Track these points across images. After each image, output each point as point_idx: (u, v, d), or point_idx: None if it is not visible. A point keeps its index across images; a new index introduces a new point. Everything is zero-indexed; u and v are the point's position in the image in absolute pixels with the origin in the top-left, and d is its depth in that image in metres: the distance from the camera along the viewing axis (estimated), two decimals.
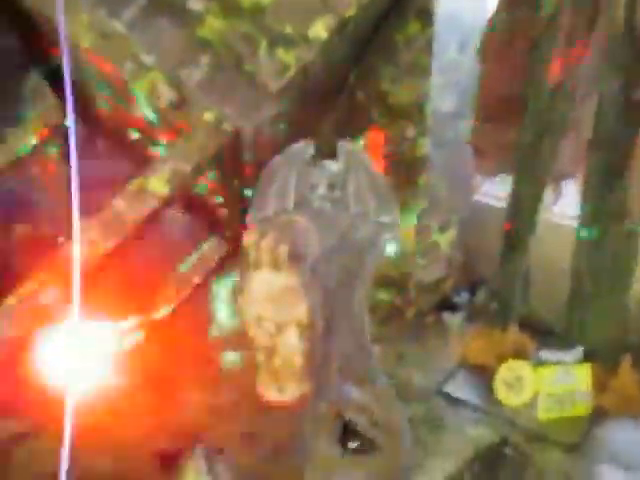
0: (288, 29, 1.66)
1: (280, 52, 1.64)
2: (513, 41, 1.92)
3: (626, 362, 1.89)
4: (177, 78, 1.53)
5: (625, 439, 1.72)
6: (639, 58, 1.73)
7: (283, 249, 1.31)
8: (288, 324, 1.38)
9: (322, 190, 1.60)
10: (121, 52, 1.56)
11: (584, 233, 1.89)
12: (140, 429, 1.70)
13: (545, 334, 2.10)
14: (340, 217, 1.60)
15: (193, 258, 2.31)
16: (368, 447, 1.51)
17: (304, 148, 1.61)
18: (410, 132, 2.16)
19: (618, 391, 1.85)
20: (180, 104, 1.53)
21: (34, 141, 2.25)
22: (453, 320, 2.38)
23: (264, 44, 1.64)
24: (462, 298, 2.46)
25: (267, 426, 1.54)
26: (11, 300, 1.37)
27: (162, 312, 2.20)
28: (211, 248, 2.31)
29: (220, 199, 1.91)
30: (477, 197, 2.48)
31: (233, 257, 2.29)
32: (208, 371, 1.93)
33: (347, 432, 1.52)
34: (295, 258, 1.34)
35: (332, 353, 1.46)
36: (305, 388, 1.45)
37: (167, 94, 1.52)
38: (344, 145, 1.61)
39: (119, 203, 1.44)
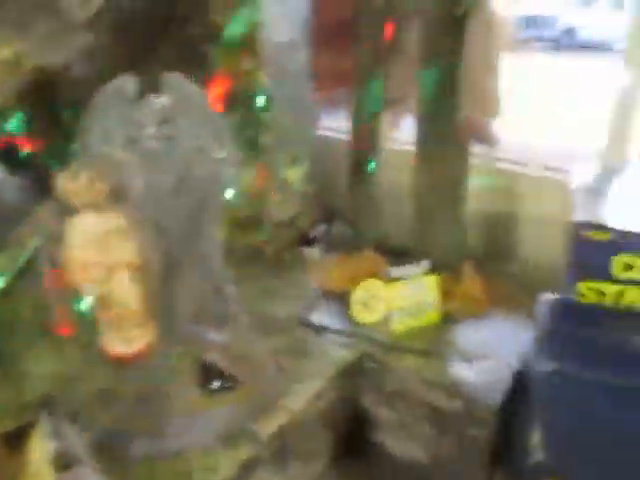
0: None
1: None
2: None
3: (468, 269, 2.05)
4: None
5: (469, 337, 1.88)
6: None
7: (101, 188, 1.22)
8: (118, 267, 1.30)
9: (151, 128, 1.50)
10: None
11: (421, 153, 1.98)
12: None
13: (398, 254, 2.21)
14: (174, 155, 1.53)
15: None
16: (231, 384, 1.51)
17: (127, 83, 1.50)
18: (247, 65, 2.09)
19: (462, 296, 2.01)
20: None
21: None
22: (312, 253, 2.42)
23: None
24: (319, 231, 2.50)
25: (122, 381, 1.47)
26: None
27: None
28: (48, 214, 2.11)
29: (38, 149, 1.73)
30: (323, 131, 2.50)
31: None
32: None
33: (208, 373, 1.50)
34: (116, 196, 1.25)
35: (178, 295, 1.40)
36: (151, 335, 1.39)
37: None
38: (171, 78, 1.52)
39: None
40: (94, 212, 1.26)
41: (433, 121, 1.94)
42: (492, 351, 1.79)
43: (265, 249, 2.35)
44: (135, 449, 1.38)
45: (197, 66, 2.12)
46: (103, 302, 1.34)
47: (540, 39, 11.59)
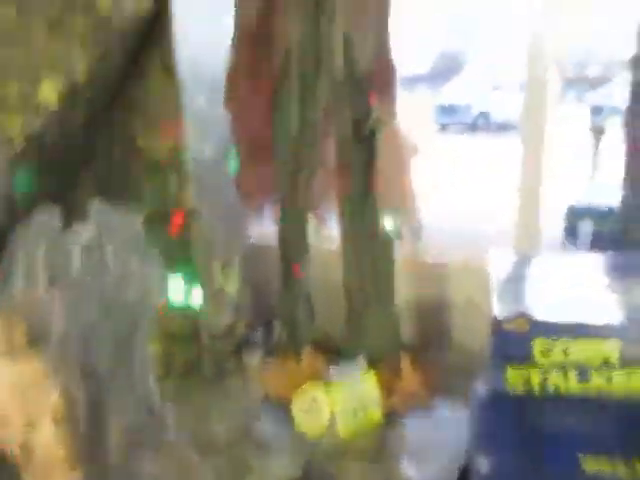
0: (11, 93, 1.56)
1: (2, 118, 1.52)
2: (253, 90, 2.05)
3: (404, 362, 2.09)
4: None
5: (414, 435, 1.89)
6: (362, 99, 1.97)
7: (19, 333, 1.20)
8: (41, 416, 1.25)
9: (77, 257, 1.51)
10: None
11: (348, 252, 2.07)
12: None
13: (336, 352, 2.23)
14: (102, 282, 1.52)
15: None
16: None
17: (49, 216, 1.51)
18: (173, 183, 2.16)
19: (403, 391, 2.03)
20: None
21: None
22: (251, 359, 2.40)
23: None
24: (257, 336, 2.50)
25: None
26: None
27: None
28: None
29: None
30: (253, 237, 2.56)
31: None
32: None
33: None
34: (36, 340, 1.22)
35: (109, 428, 1.35)
36: (77, 476, 1.32)
37: None
38: (94, 205, 1.55)
39: None
40: (10, 360, 1.22)
41: (354, 221, 2.05)
42: (438, 448, 1.80)
43: (203, 361, 2.32)
44: None
45: (122, 189, 2.19)
46: (25, 451, 1.27)
47: (458, 124, 12.61)
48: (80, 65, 1.70)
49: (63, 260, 1.49)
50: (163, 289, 1.60)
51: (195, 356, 2.28)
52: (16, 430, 1.22)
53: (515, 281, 1.88)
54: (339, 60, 1.96)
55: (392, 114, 2.01)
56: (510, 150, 2.84)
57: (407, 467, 1.74)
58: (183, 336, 2.23)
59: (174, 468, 1.53)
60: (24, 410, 1.23)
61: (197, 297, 2.24)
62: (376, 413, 1.92)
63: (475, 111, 13.03)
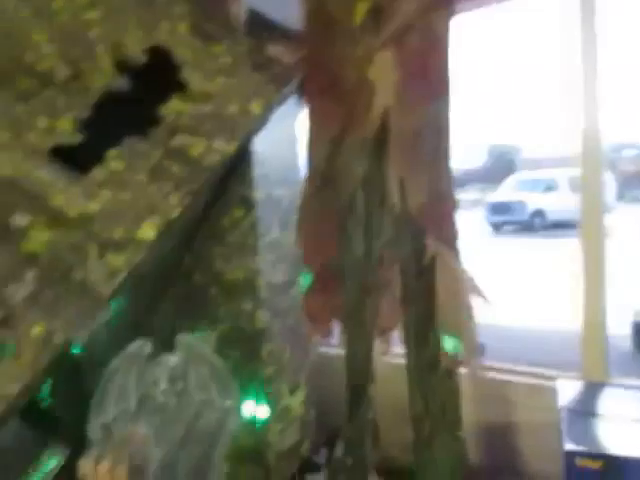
0: (117, 234, 1.77)
1: (109, 257, 1.72)
2: (323, 220, 2.21)
3: None
4: (1, 296, 1.53)
5: None
6: (417, 235, 2.09)
7: (121, 471, 1.30)
8: None
9: (164, 385, 1.63)
10: None
11: (413, 380, 2.10)
12: None
13: (402, 475, 2.20)
14: (185, 408, 1.63)
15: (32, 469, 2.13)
16: None
17: (141, 346, 1.66)
18: (247, 306, 2.31)
19: None
20: (6, 320, 1.51)
21: None
22: None
23: (93, 251, 1.71)
24: (321, 457, 2.51)
25: None
26: None
27: None
28: (51, 459, 2.15)
29: (57, 409, 1.83)
30: (319, 357, 2.64)
31: None
32: None
33: None
34: (136, 473, 1.32)
35: None
36: None
37: None
38: (182, 338, 1.68)
39: None
40: None
41: (418, 352, 2.10)
42: None
43: None
44: None
45: (200, 311, 2.35)
46: None
47: (511, 223, 12.43)
48: (174, 204, 1.91)
49: (151, 384, 1.61)
50: (239, 417, 1.67)
51: (262, 476, 2.31)
52: None
53: (585, 413, 1.86)
54: (395, 198, 2.11)
55: (450, 245, 2.11)
56: (569, 250, 2.81)
57: None
58: (250, 455, 2.27)
59: None
60: None
61: (264, 415, 2.31)
62: None
63: (530, 209, 12.71)
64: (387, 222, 2.09)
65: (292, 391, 2.44)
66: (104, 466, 1.29)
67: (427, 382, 2.06)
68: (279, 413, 2.38)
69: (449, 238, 2.14)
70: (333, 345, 2.66)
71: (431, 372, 2.06)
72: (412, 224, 2.04)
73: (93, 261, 1.70)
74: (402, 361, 2.48)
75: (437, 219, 2.11)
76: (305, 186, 2.31)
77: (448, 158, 2.18)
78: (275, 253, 2.37)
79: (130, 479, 1.31)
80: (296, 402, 2.45)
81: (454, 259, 2.06)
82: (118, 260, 1.73)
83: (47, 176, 1.82)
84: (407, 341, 2.13)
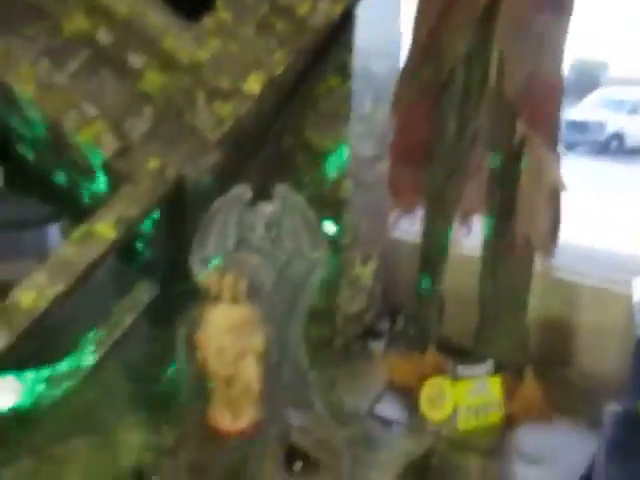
0: (224, 83, 1.82)
1: (217, 105, 1.78)
2: (419, 96, 2.19)
3: (529, 373, 2.16)
4: (121, 128, 1.63)
5: (532, 441, 1.96)
6: (511, 116, 2.05)
7: (242, 285, 1.44)
8: (246, 352, 1.50)
9: (260, 230, 1.73)
10: (64, 103, 1.64)
11: (487, 262, 2.16)
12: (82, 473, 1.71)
13: (458, 354, 2.34)
14: (277, 255, 1.74)
15: (125, 299, 2.36)
16: (312, 467, 1.63)
17: (242, 192, 1.75)
18: (333, 175, 2.37)
19: (524, 399, 2.10)
20: (124, 152, 1.62)
21: None
22: (377, 347, 2.57)
23: (202, 97, 1.77)
24: (383, 326, 2.67)
25: (215, 455, 1.61)
26: None
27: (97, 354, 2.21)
28: (142, 289, 2.37)
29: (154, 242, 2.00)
30: (392, 233, 2.72)
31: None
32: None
33: (292, 454, 1.63)
34: (251, 293, 1.46)
35: (279, 380, 1.57)
36: (258, 413, 1.56)
37: (111, 143, 1.61)
38: (280, 188, 1.76)
39: (67, 249, 1.50)
40: (233, 304, 1.48)
41: (497, 238, 2.14)
42: (556, 456, 1.87)
43: (334, 340, 2.53)
44: None
45: (285, 174, 2.43)
46: (227, 381, 1.53)
47: (586, 143, 11.83)
48: (279, 61, 1.93)
49: (248, 229, 1.72)
50: (324, 270, 1.77)
51: (328, 334, 2.49)
52: (228, 359, 1.49)
53: None
54: (493, 77, 2.06)
55: (544, 137, 2.07)
56: None
57: (524, 468, 1.82)
58: (321, 315, 2.44)
59: (317, 427, 1.72)
60: (236, 345, 1.49)
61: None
62: (496, 415, 2.02)
63: (608, 131, 11.99)
64: (484, 103, 2.06)
65: (364, 262, 2.55)
66: (230, 277, 1.44)
67: (501, 267, 2.12)
68: (350, 280, 2.51)
69: (545, 126, 2.10)
70: (406, 229, 2.74)
71: (506, 258, 2.12)
72: (507, 106, 2.01)
73: (201, 107, 1.77)
74: (468, 252, 2.56)
75: (535, 104, 2.06)
76: (405, 61, 2.27)
77: (561, 43, 2.08)
78: (366, 126, 2.38)
79: (247, 296, 1.46)
80: (366, 272, 2.57)
81: (545, 147, 2.03)
82: (224, 109, 1.80)
83: (160, 20, 1.85)
84: (487, 226, 2.17)
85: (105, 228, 1.53)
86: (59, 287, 1.45)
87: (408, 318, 2.68)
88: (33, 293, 1.42)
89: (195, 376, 1.65)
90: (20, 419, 1.86)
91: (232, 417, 1.57)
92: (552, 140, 2.09)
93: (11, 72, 1.59)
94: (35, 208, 3.72)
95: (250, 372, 1.51)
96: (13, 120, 2.03)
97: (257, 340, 1.50)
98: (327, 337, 2.49)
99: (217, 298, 1.48)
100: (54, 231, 4.02)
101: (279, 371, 1.65)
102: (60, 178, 2.21)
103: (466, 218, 2.28)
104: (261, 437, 1.56)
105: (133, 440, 1.88)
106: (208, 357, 1.52)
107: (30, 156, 2.25)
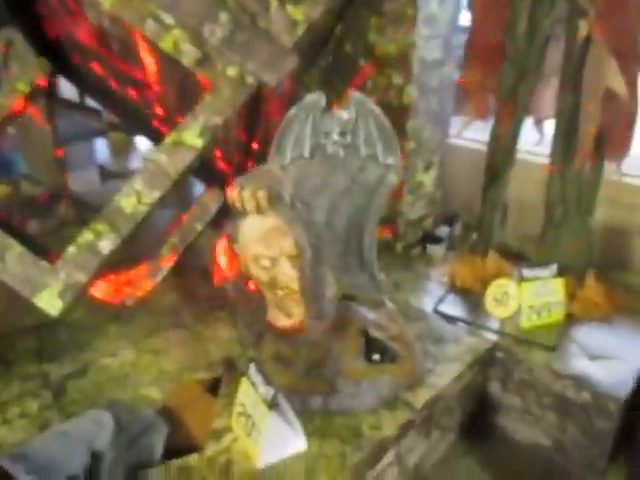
0: None
1: (290, 9, 1.76)
2: None
3: (591, 276, 2.22)
4: (200, 36, 1.64)
5: (593, 338, 2.05)
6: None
7: (262, 195, 1.50)
8: (279, 257, 1.60)
9: (335, 136, 1.76)
10: (141, 12, 1.64)
11: (556, 165, 2.16)
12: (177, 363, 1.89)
13: (517, 259, 2.40)
14: (351, 160, 1.78)
15: (195, 209, 2.47)
16: (389, 358, 1.76)
17: (318, 99, 1.77)
18: (397, 80, 2.34)
19: (585, 300, 2.18)
20: (203, 61, 1.64)
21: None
22: (436, 251, 2.65)
23: (275, 1, 1.75)
24: (442, 231, 2.73)
25: (296, 347, 1.75)
26: (72, 248, 1.49)
27: (169, 261, 2.35)
28: (211, 199, 2.46)
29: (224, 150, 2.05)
30: (452, 140, 2.71)
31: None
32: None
33: (371, 346, 1.76)
34: (274, 201, 1.53)
35: (323, 277, 1.66)
36: (305, 312, 1.68)
37: (191, 52, 1.63)
38: (354, 94, 1.77)
39: (160, 156, 1.57)
40: (258, 214, 1.55)
41: (566, 141, 2.11)
42: (616, 353, 1.96)
43: (396, 245, 2.61)
44: (312, 404, 1.66)
45: (348, 79, 2.41)
46: (270, 285, 1.64)
47: None
48: None
49: (324, 135, 1.75)
50: (397, 176, 1.80)
51: (390, 238, 2.57)
52: (264, 266, 1.60)
53: None
54: None
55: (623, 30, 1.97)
56: None
57: (586, 362, 1.92)
58: (383, 218, 2.50)
59: (390, 323, 1.84)
60: (268, 251, 1.59)
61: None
62: (558, 314, 2.10)
63: None
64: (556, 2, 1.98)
65: (426, 168, 2.57)
66: (248, 191, 1.50)
67: (569, 170, 2.12)
68: (412, 186, 2.55)
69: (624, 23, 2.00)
70: (466, 137, 2.72)
71: (575, 161, 2.11)
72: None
73: (275, 11, 1.75)
74: (528, 157, 2.54)
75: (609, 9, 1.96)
76: None
77: None
78: (431, 28, 2.31)
79: (272, 203, 1.52)
80: (428, 179, 2.60)
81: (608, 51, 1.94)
82: (298, 12, 1.77)
83: None
84: (557, 129, 2.14)
85: (192, 137, 1.59)
86: (156, 193, 1.53)
87: (465, 224, 2.74)
88: (134, 199, 1.51)
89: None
90: (115, 316, 2.04)
91: (285, 317, 1.70)
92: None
93: None
94: (90, 119, 3.80)
95: (287, 274, 1.61)
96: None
97: (287, 244, 1.58)
98: (389, 241, 2.58)
99: (243, 211, 1.54)
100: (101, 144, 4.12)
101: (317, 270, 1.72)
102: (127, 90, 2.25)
103: (541, 123, 2.25)
104: (312, 330, 1.68)
105: (219, 335, 2.05)
106: (249, 266, 1.63)
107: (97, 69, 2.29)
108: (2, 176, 3.06)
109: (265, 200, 1.54)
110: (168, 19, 1.65)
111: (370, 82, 2.40)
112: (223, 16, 1.65)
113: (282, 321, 1.78)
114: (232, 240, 1.69)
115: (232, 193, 1.56)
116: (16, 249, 1.51)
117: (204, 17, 1.65)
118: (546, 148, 2.22)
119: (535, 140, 2.30)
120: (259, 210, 1.56)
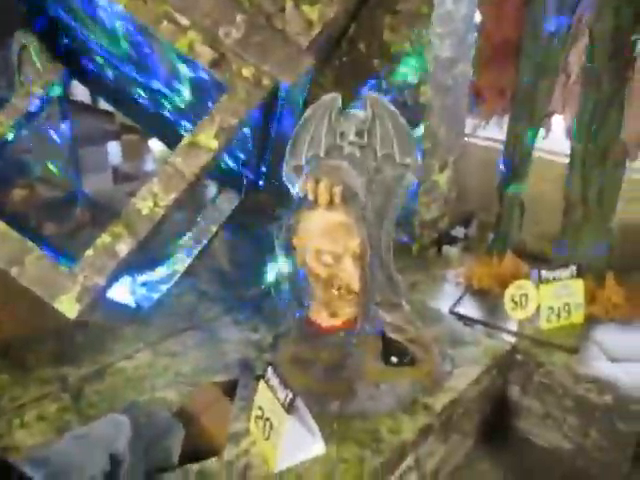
0: None
1: (305, 9, 1.75)
2: None
3: (610, 277, 2.18)
4: (215, 37, 1.63)
5: (614, 339, 2.02)
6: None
7: (338, 190, 1.48)
8: (344, 255, 1.57)
9: (351, 137, 1.74)
10: (157, 13, 1.63)
11: (577, 166, 2.13)
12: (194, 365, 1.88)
13: (534, 259, 2.37)
14: (368, 161, 1.76)
15: (209, 209, 2.46)
16: (407, 361, 1.74)
17: (333, 99, 1.75)
18: (412, 79, 2.32)
19: (605, 301, 2.14)
20: (218, 62, 1.62)
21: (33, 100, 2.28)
22: (452, 252, 2.62)
23: (290, 2, 1.74)
24: (458, 232, 2.70)
25: (315, 349, 1.73)
26: (89, 251, 1.49)
27: (184, 260, 2.35)
28: (226, 199, 2.46)
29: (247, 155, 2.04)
30: (467, 139, 2.69)
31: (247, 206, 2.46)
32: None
33: (389, 349, 1.74)
34: (347, 197, 1.51)
35: (375, 281, 1.65)
36: (354, 312, 1.66)
37: (207, 53, 1.61)
38: (370, 94, 1.75)
39: (176, 159, 1.56)
40: (329, 208, 1.53)
41: (589, 139, 2.08)
42: (637, 354, 1.93)
43: (411, 246, 2.59)
44: (331, 407, 1.65)
45: (364, 78, 2.39)
46: (327, 283, 1.62)
47: None
48: None
49: (339, 135, 1.73)
50: (415, 176, 1.78)
51: (406, 240, 2.55)
52: (325, 262, 1.58)
53: None
54: None
55: None
56: None
57: (607, 364, 1.89)
58: (399, 220, 2.47)
59: (408, 325, 1.82)
60: (333, 247, 1.57)
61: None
62: (578, 316, 2.07)
63: None
64: None
65: (441, 168, 2.55)
66: (325, 183, 1.49)
67: (592, 169, 2.09)
68: (427, 187, 2.53)
69: None
70: (481, 135, 2.70)
71: (598, 161, 2.07)
72: None
73: (290, 11, 1.74)
74: (545, 155, 2.51)
75: None
76: None
77: None
78: (445, 26, 2.29)
79: (342, 200, 1.51)
80: (443, 179, 2.58)
81: None
82: (313, 12, 1.76)
83: None
84: (579, 127, 2.11)
85: (207, 139, 1.58)
86: (172, 195, 1.52)
87: (481, 225, 2.71)
88: (150, 202, 1.51)
89: (293, 278, 1.76)
90: (133, 318, 2.03)
91: (329, 316, 1.68)
92: None
93: None
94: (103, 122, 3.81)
95: (349, 273, 1.59)
96: (92, 36, 2.04)
97: (353, 242, 1.57)
98: (404, 242, 2.55)
99: (314, 203, 1.52)
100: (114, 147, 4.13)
101: (373, 272, 1.72)
102: (139, 93, 2.25)
103: (548, 118, 2.22)
104: (359, 333, 1.66)
105: (235, 337, 2.04)
106: (307, 260, 1.61)
107: (110, 74, 2.29)
108: (18, 179, 3.07)
109: (339, 196, 1.53)
110: (183, 20, 1.64)
111: (385, 81, 2.38)
112: (238, 17, 1.64)
113: (324, 320, 1.75)
114: (291, 232, 1.67)
115: (307, 184, 1.54)
116: (35, 253, 1.51)
117: (219, 18, 1.64)
118: (565, 147, 2.19)
119: (542, 135, 2.27)
120: (331, 204, 1.55)
